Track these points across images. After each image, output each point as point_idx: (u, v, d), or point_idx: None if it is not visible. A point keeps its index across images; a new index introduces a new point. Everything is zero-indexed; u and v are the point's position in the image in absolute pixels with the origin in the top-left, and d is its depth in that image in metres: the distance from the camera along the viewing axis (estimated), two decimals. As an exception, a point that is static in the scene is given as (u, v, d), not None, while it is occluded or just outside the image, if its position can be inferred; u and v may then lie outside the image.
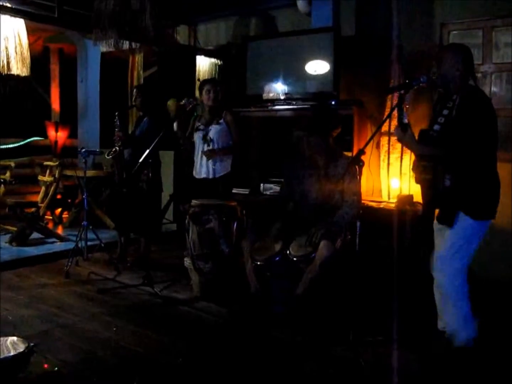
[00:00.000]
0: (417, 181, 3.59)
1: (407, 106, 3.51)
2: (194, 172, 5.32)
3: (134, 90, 5.98)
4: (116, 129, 5.71)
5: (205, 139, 5.14)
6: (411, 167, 5.12)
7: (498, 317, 4.22)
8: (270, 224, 4.59)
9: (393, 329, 3.77)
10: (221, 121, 5.15)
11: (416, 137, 3.45)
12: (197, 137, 5.22)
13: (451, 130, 3.32)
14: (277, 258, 4.23)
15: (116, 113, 5.74)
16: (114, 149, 5.70)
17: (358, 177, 4.02)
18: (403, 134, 3.39)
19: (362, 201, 3.78)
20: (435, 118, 3.51)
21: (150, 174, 5.22)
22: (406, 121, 3.40)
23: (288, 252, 4.20)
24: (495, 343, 3.80)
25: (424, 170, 3.47)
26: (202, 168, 5.22)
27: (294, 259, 4.16)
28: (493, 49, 5.59)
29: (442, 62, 3.44)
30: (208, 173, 5.19)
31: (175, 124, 5.24)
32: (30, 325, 4.00)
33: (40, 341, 3.61)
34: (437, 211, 3.67)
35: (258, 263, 4.27)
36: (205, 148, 5.14)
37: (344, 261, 4.13)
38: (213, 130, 5.14)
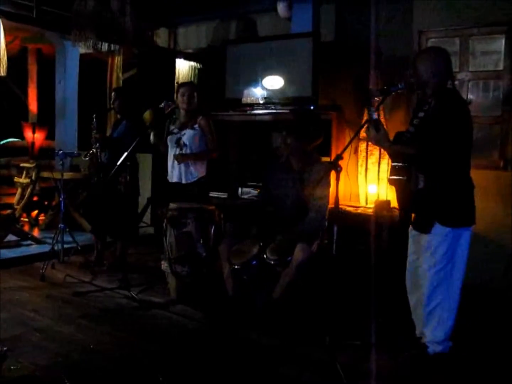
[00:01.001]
0: (390, 183, 3.61)
1: (376, 103, 3.53)
2: (168, 176, 5.27)
3: (112, 93, 5.96)
4: (94, 131, 5.68)
5: (178, 143, 5.09)
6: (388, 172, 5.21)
7: (476, 322, 4.27)
8: (248, 228, 4.59)
9: (371, 334, 3.79)
10: (196, 126, 5.08)
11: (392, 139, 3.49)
12: (170, 140, 5.17)
13: (425, 130, 3.34)
14: (254, 262, 4.22)
15: (94, 115, 5.71)
16: (90, 151, 5.67)
17: (328, 181, 4.07)
18: (375, 132, 3.39)
19: (340, 206, 3.79)
20: (411, 120, 3.55)
21: (128, 177, 5.19)
22: (375, 116, 3.41)
23: (265, 255, 4.21)
24: (474, 348, 3.84)
25: (398, 172, 3.49)
26: (175, 172, 5.16)
27: (271, 262, 4.16)
28: (470, 57, 5.66)
29: (417, 65, 3.47)
30: (181, 178, 5.12)
31: (151, 136, 5.21)
32: (3, 329, 3.93)
33: (14, 345, 3.58)
34: (413, 215, 3.71)
35: (235, 266, 4.26)
36: (178, 152, 5.10)
37: (320, 265, 4.15)
38: (187, 135, 5.08)
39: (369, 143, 5.63)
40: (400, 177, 3.45)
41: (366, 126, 3.48)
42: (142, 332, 4.07)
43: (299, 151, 4.43)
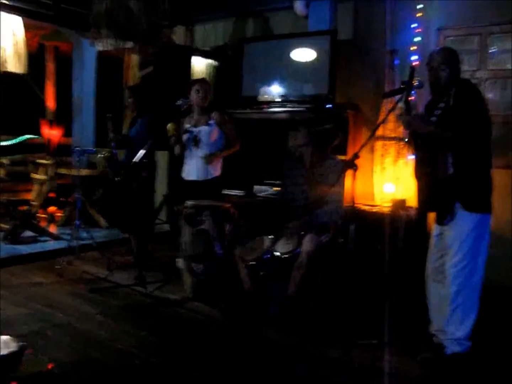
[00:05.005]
0: (416, 176, 3.62)
1: (415, 83, 3.56)
2: (183, 174, 5.25)
3: (127, 91, 5.98)
4: (109, 132, 5.70)
5: (194, 140, 5.06)
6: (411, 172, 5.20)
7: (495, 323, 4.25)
8: (263, 225, 4.62)
9: (387, 333, 3.79)
10: (211, 121, 5.06)
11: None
12: (186, 138, 5.13)
13: (452, 115, 3.35)
14: (267, 256, 4.26)
15: (108, 115, 5.72)
16: (105, 152, 5.68)
17: (340, 176, 4.12)
18: (409, 116, 3.46)
19: (356, 205, 3.80)
20: (431, 111, 3.55)
21: (144, 175, 5.20)
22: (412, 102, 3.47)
23: (274, 250, 4.25)
24: (490, 348, 3.82)
25: (423, 162, 3.51)
26: (192, 170, 5.14)
27: (282, 256, 4.20)
28: (488, 55, 5.61)
29: (433, 65, 3.54)
30: (198, 175, 5.10)
31: (176, 148, 5.21)
32: (22, 324, 3.98)
33: (32, 341, 3.62)
34: (432, 215, 3.70)
35: (250, 263, 4.30)
36: (194, 150, 5.07)
37: (337, 263, 4.16)
38: (202, 131, 5.05)
39: (386, 141, 5.64)
40: (426, 168, 3.48)
41: (400, 113, 3.57)
42: (158, 329, 4.09)
43: (310, 146, 4.48)
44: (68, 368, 3.34)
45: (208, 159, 5.04)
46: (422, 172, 3.53)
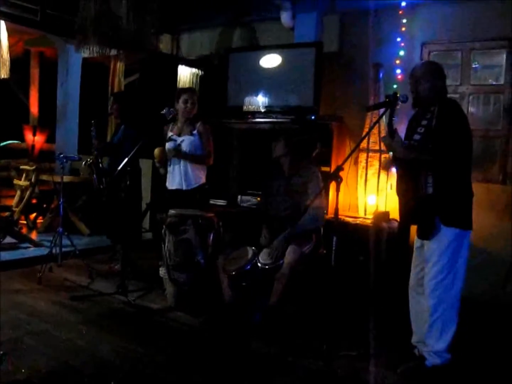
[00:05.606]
0: (397, 191, 3.64)
1: (398, 107, 3.59)
2: (167, 183, 5.20)
3: (111, 98, 5.97)
4: (93, 138, 5.68)
5: (175, 150, 5.00)
6: (388, 183, 5.24)
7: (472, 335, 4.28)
8: (246, 235, 4.64)
9: (369, 344, 3.80)
10: (195, 131, 5.03)
11: None
12: (169, 147, 5.08)
13: (434, 136, 3.38)
14: (248, 267, 4.28)
15: (92, 121, 5.70)
16: (89, 159, 5.66)
17: (318, 186, 4.16)
18: (391, 139, 3.49)
19: (339, 217, 3.82)
20: (415, 129, 3.58)
21: (128, 182, 5.18)
22: (395, 127, 3.50)
23: (257, 261, 4.27)
24: (470, 361, 3.84)
25: (404, 179, 3.55)
26: (175, 179, 5.10)
27: (265, 267, 4.23)
28: (471, 70, 5.69)
29: (413, 79, 3.59)
30: (181, 184, 5.07)
31: (160, 170, 5.19)
32: (0, 332, 3.93)
33: (11, 349, 3.56)
34: (414, 227, 3.73)
35: (231, 273, 4.31)
36: (176, 159, 5.04)
37: (319, 275, 4.17)
38: (186, 141, 5.02)
39: (370, 153, 5.68)
40: (407, 184, 3.51)
41: (383, 135, 3.64)
42: (139, 339, 4.04)
43: (285, 151, 4.54)
44: (47, 377, 3.30)
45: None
46: (404, 187, 3.55)
